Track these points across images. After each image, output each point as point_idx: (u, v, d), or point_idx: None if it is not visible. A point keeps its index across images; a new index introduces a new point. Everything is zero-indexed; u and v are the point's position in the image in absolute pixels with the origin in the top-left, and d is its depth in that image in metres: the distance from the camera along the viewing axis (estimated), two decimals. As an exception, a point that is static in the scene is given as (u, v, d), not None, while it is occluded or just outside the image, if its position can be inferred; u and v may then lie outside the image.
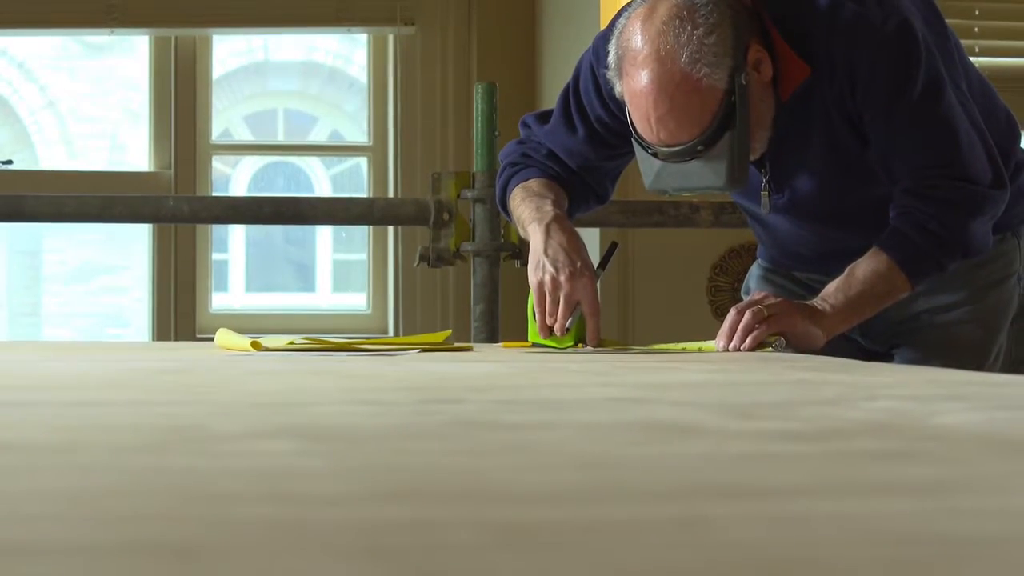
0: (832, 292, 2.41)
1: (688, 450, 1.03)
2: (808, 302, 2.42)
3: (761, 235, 2.70)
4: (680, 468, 0.93)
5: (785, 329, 2.37)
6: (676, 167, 2.34)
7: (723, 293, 5.89)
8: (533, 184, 2.58)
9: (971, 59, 2.60)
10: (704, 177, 2.34)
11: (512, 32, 6.46)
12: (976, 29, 5.97)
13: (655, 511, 0.76)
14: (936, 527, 0.72)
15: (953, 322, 2.55)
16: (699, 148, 2.31)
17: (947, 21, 2.53)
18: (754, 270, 2.77)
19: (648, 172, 2.38)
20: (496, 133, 4.07)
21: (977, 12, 5.98)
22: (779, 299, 2.41)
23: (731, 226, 4.30)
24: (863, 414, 1.29)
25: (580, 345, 2.45)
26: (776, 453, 1.01)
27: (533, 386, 1.68)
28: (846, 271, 2.41)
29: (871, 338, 2.62)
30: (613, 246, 2.55)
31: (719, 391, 1.58)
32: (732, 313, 2.40)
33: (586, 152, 2.58)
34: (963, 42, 2.58)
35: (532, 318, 2.47)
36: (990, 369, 2.52)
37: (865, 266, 2.40)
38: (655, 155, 2.35)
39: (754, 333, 2.35)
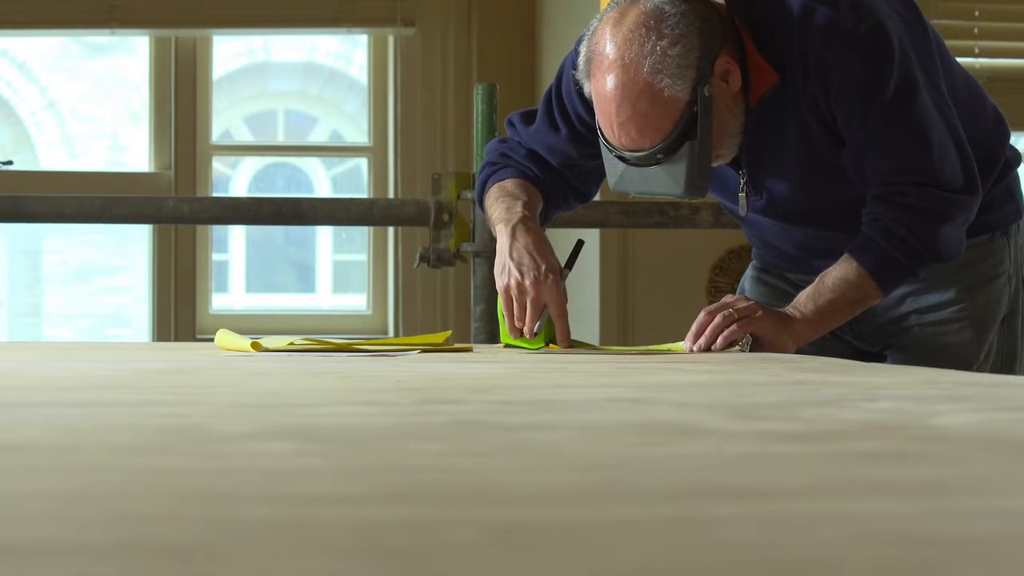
0: (803, 300, 2.43)
1: (688, 451, 1.03)
2: (779, 309, 2.44)
3: (750, 235, 2.71)
4: (680, 469, 0.93)
5: (754, 332, 2.39)
6: (638, 171, 2.37)
7: (723, 294, 5.89)
8: (508, 184, 2.60)
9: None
10: (664, 183, 2.37)
11: (512, 33, 6.46)
12: (976, 30, 5.96)
13: (655, 512, 0.76)
14: (936, 528, 0.72)
15: (942, 322, 2.55)
16: (659, 156, 2.34)
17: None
18: (748, 272, 2.78)
19: (612, 173, 2.41)
20: (496, 134, 4.07)
21: (977, 13, 5.97)
22: (749, 302, 2.43)
23: (731, 227, 4.30)
24: (863, 415, 1.29)
25: (551, 346, 2.45)
26: (776, 454, 1.01)
27: (533, 387, 1.68)
28: (817, 279, 2.43)
29: (863, 339, 2.63)
30: (579, 244, 2.56)
31: (719, 392, 1.58)
32: (702, 315, 2.43)
33: (568, 151, 2.60)
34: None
35: (503, 319, 2.48)
36: (980, 369, 2.52)
37: (835, 274, 2.41)
38: (620, 158, 2.37)
39: (724, 333, 2.38)
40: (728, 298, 2.46)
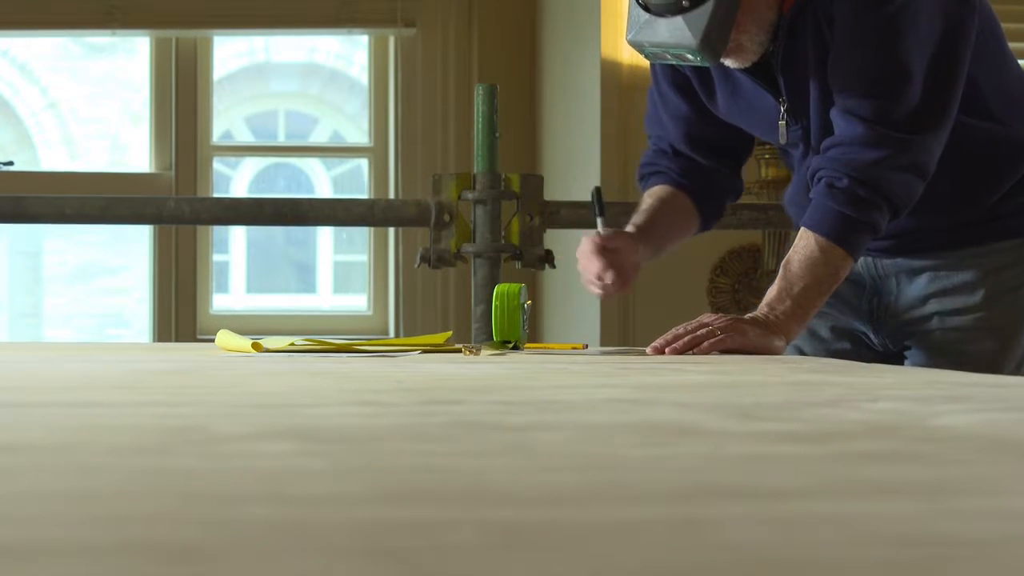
0: (777, 297, 2.39)
1: (689, 451, 1.03)
2: (756, 314, 2.40)
3: (791, 187, 2.69)
4: (681, 469, 0.93)
5: (738, 347, 2.34)
6: (659, 21, 2.39)
7: (723, 294, 5.89)
8: (645, 197, 2.74)
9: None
10: (682, 34, 2.38)
11: (512, 33, 6.46)
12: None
13: (656, 512, 0.76)
14: (937, 529, 0.72)
15: (965, 328, 2.51)
16: (685, 2, 2.36)
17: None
18: None
19: (634, 24, 2.43)
20: (497, 134, 4.07)
21: (978, 13, 5.97)
22: (727, 318, 2.38)
23: (732, 228, 4.30)
24: (864, 415, 1.29)
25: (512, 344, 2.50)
26: (777, 454, 1.01)
27: (533, 387, 1.68)
28: (782, 267, 2.40)
29: (882, 335, 2.59)
30: (594, 191, 2.67)
31: (720, 392, 1.58)
32: (679, 328, 2.39)
33: (678, 107, 2.67)
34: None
35: (495, 323, 2.52)
36: None
37: (799, 256, 2.38)
38: (645, 7, 2.40)
39: (711, 341, 2.33)
40: (706, 317, 2.42)
